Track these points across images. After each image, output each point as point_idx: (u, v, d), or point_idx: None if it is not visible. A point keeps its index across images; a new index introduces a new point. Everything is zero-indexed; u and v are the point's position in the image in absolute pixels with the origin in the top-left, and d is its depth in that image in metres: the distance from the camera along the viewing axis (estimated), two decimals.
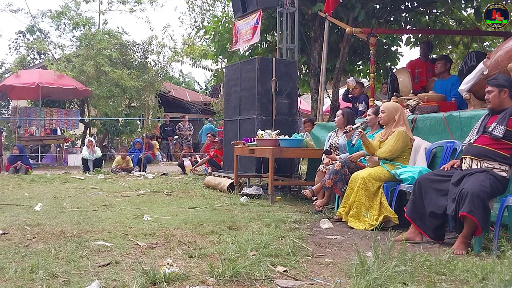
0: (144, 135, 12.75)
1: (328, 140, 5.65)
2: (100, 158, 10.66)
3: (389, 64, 9.51)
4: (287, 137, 6.00)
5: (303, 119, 8.70)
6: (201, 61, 14.99)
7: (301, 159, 7.55)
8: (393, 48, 9.52)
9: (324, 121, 7.61)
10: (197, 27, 14.59)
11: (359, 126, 4.57)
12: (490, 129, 3.36)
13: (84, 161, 10.38)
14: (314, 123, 7.10)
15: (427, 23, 9.26)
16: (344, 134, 5.38)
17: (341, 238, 3.73)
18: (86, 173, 10.01)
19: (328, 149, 5.52)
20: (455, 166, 3.56)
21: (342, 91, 8.98)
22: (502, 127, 3.29)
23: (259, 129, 6.30)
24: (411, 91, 6.12)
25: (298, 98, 7.81)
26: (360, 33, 6.58)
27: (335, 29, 8.71)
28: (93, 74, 13.22)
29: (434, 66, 6.22)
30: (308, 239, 3.65)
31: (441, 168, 3.71)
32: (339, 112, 5.55)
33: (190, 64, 16.38)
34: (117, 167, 10.27)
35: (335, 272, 2.71)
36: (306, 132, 6.86)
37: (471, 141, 3.49)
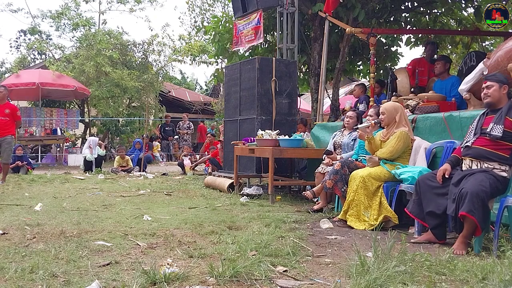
0: (144, 135, 12.76)
1: (332, 138, 5.65)
2: (102, 156, 10.67)
3: (389, 64, 9.51)
4: (287, 137, 6.00)
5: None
6: (201, 56, 14.99)
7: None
8: (393, 48, 9.52)
9: (324, 121, 7.61)
10: (197, 27, 14.60)
11: (371, 122, 4.54)
12: (488, 130, 3.35)
13: (87, 162, 10.38)
14: (315, 123, 7.09)
15: (427, 23, 9.26)
16: (349, 134, 5.38)
17: (341, 238, 3.73)
18: (86, 173, 10.01)
19: (330, 149, 5.51)
20: (446, 175, 3.49)
21: (342, 91, 8.99)
22: (500, 126, 3.29)
23: (259, 129, 6.30)
24: (411, 90, 6.13)
25: (298, 98, 7.80)
26: (360, 33, 6.58)
27: (335, 29, 8.71)
28: (93, 74, 13.23)
29: (434, 66, 6.22)
30: (308, 239, 3.65)
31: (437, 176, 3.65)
32: (353, 114, 5.44)
33: (189, 63, 16.39)
34: (117, 167, 10.29)
35: (335, 272, 2.71)
36: (306, 132, 6.86)
37: (469, 143, 3.48)
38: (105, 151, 10.96)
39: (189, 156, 11.03)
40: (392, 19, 9.17)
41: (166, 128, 15.64)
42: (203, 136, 15.49)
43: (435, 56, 7.30)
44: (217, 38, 9.87)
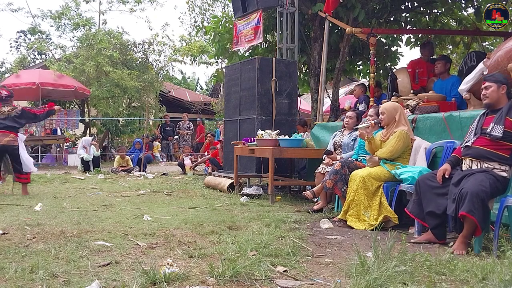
0: (144, 135, 12.77)
1: (332, 138, 5.65)
2: (98, 156, 10.68)
3: (389, 64, 9.50)
4: (287, 137, 6.00)
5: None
6: (201, 57, 14.98)
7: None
8: (393, 48, 9.51)
9: (324, 121, 7.61)
10: (197, 27, 14.59)
11: (371, 122, 4.54)
12: (488, 130, 3.35)
13: (85, 162, 10.39)
14: (315, 123, 7.09)
15: (427, 23, 9.26)
16: (349, 134, 5.38)
17: (341, 238, 3.74)
18: (86, 173, 10.02)
19: (330, 149, 5.51)
20: (445, 175, 3.51)
21: (342, 91, 8.97)
22: (500, 127, 3.28)
23: (259, 129, 6.30)
24: (411, 91, 6.12)
25: (298, 98, 7.80)
26: (360, 33, 6.57)
27: (335, 29, 8.70)
28: (94, 74, 13.24)
29: (434, 66, 6.22)
30: (308, 239, 3.65)
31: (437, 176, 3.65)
32: (353, 114, 5.44)
33: (190, 64, 16.37)
34: (117, 167, 10.30)
35: (335, 272, 2.71)
36: (306, 132, 6.86)
37: (469, 143, 3.48)
38: (99, 151, 10.96)
39: (189, 156, 11.04)
40: (392, 19, 9.16)
41: (166, 128, 15.66)
42: (197, 137, 15.50)
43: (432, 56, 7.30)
44: (217, 38, 9.86)
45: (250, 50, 9.87)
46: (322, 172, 5.24)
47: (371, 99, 6.54)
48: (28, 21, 36.37)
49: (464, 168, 3.47)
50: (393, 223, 4.09)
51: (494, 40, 9.58)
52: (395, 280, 2.38)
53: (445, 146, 4.25)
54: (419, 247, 3.32)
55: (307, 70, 9.73)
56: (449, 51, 10.27)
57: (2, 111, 6.21)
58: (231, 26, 9.33)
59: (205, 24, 13.53)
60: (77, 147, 13.95)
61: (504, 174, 3.30)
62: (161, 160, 14.37)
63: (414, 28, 9.30)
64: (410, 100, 5.21)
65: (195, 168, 10.58)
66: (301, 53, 8.96)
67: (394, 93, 5.87)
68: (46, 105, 7.11)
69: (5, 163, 6.25)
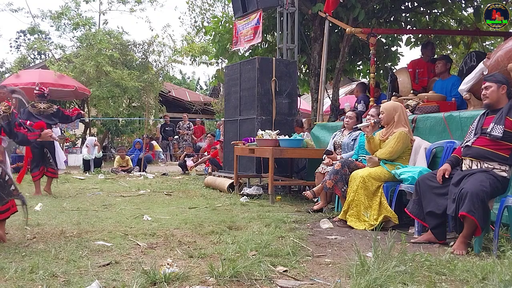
0: (144, 135, 12.77)
1: (332, 138, 5.66)
2: (100, 158, 10.70)
3: (389, 64, 9.50)
4: (287, 137, 6.00)
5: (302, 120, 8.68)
6: (201, 57, 14.99)
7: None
8: (393, 48, 9.51)
9: (324, 121, 7.61)
10: (197, 27, 14.61)
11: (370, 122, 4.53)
12: (488, 130, 3.35)
13: (85, 161, 10.42)
14: (315, 123, 7.09)
15: (427, 23, 9.26)
16: (349, 134, 5.39)
17: (341, 238, 3.73)
18: (86, 173, 10.02)
19: (330, 149, 5.51)
20: (445, 175, 3.51)
21: (342, 91, 8.96)
22: (500, 127, 3.28)
23: (259, 129, 6.30)
24: (411, 91, 6.12)
25: (298, 98, 7.80)
26: (360, 33, 6.57)
27: (335, 29, 8.71)
28: (94, 74, 13.24)
29: (435, 66, 6.22)
30: (308, 239, 3.65)
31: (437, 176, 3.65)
32: (352, 114, 5.45)
33: (190, 64, 16.39)
34: (117, 167, 10.31)
35: (335, 272, 2.71)
36: (306, 132, 6.86)
37: (469, 143, 3.48)
38: (101, 152, 10.98)
39: (192, 157, 11.06)
40: (392, 19, 9.16)
41: (166, 128, 15.66)
42: (198, 137, 15.52)
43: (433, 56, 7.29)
44: (217, 38, 9.86)
45: (250, 50, 9.87)
46: (322, 172, 5.24)
47: (371, 99, 6.54)
48: (28, 21, 36.34)
49: (464, 168, 3.47)
50: (393, 223, 4.09)
51: (494, 40, 9.58)
52: (395, 280, 2.38)
53: (445, 146, 4.25)
54: (419, 247, 3.32)
55: (307, 70, 9.73)
56: (449, 51, 10.27)
57: (39, 108, 6.28)
58: (231, 26, 9.33)
59: (205, 24, 13.55)
60: (77, 147, 14.02)
61: (504, 174, 3.30)
62: (163, 158, 14.38)
63: (414, 28, 9.30)
64: (410, 100, 5.21)
65: (195, 168, 10.59)
66: (301, 53, 8.96)
67: (394, 93, 5.87)
68: (73, 109, 7.22)
69: (45, 158, 6.29)
